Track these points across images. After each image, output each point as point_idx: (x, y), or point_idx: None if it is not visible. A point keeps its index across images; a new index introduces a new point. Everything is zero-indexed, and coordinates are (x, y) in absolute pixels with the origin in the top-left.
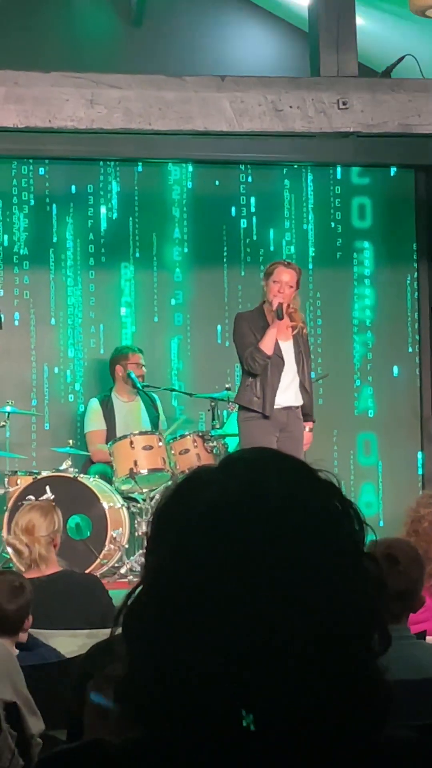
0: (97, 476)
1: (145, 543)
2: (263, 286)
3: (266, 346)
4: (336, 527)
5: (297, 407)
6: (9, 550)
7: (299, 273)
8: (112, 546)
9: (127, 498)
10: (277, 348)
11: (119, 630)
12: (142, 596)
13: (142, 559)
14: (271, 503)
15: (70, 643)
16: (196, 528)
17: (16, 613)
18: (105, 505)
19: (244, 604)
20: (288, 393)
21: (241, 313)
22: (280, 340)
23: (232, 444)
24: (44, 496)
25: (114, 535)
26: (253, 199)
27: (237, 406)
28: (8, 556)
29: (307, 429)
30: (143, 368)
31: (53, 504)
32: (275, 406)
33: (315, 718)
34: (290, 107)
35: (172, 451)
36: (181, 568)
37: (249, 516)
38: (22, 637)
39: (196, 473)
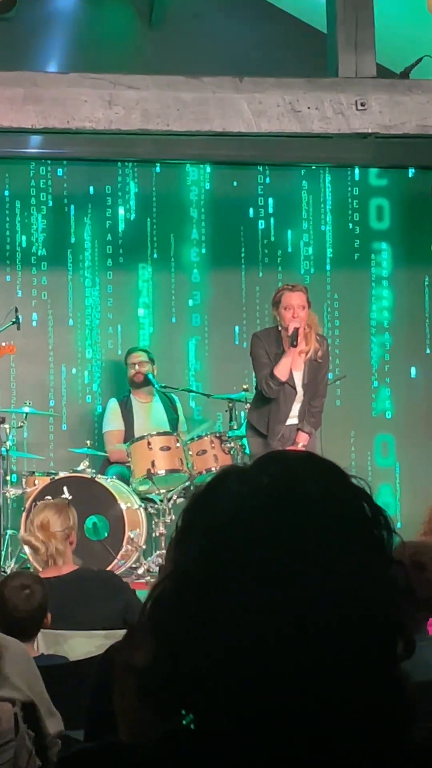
0: (114, 477)
1: (175, 533)
2: (274, 315)
3: (281, 372)
4: (365, 532)
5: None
6: (26, 548)
7: (306, 291)
8: (129, 547)
9: (145, 499)
10: (290, 377)
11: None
12: (169, 584)
13: (160, 560)
14: (302, 501)
15: (87, 644)
16: (226, 520)
17: (28, 617)
18: (122, 505)
19: (268, 599)
20: (296, 417)
21: (257, 334)
22: (293, 370)
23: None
24: (61, 497)
25: (131, 536)
26: (270, 200)
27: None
28: (26, 557)
29: (300, 444)
30: (149, 367)
31: (67, 502)
32: (284, 425)
33: (337, 721)
34: (308, 108)
35: (190, 452)
36: (210, 558)
37: (278, 512)
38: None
39: (230, 469)
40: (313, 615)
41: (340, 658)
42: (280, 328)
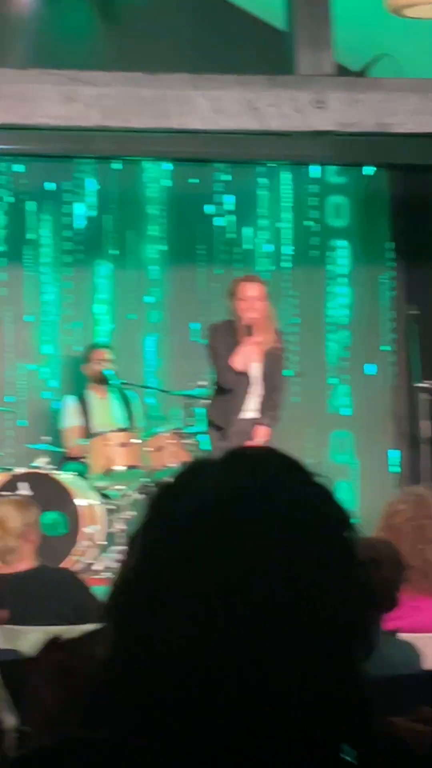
0: (72, 473)
1: (139, 525)
2: (231, 307)
3: (237, 362)
4: (331, 531)
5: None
6: None
7: (263, 283)
8: (87, 543)
9: (103, 495)
10: (247, 369)
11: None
12: (130, 576)
13: (118, 556)
14: (267, 499)
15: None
16: (191, 514)
17: None
18: (80, 501)
19: (230, 597)
20: (254, 411)
21: (215, 325)
22: (251, 362)
23: (207, 441)
24: (20, 492)
25: (89, 532)
26: (229, 198)
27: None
28: None
29: (259, 439)
30: (107, 363)
31: (30, 500)
32: (242, 418)
33: (295, 719)
34: (266, 106)
35: (147, 449)
36: (171, 553)
37: (241, 511)
38: None
39: (195, 464)
40: (278, 615)
41: (305, 658)
42: (235, 320)
